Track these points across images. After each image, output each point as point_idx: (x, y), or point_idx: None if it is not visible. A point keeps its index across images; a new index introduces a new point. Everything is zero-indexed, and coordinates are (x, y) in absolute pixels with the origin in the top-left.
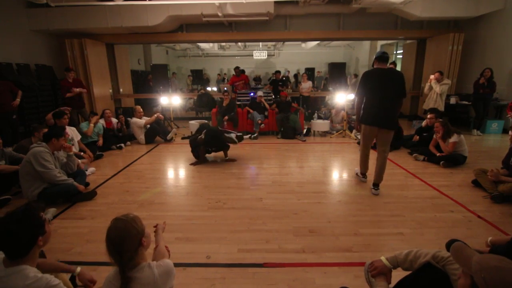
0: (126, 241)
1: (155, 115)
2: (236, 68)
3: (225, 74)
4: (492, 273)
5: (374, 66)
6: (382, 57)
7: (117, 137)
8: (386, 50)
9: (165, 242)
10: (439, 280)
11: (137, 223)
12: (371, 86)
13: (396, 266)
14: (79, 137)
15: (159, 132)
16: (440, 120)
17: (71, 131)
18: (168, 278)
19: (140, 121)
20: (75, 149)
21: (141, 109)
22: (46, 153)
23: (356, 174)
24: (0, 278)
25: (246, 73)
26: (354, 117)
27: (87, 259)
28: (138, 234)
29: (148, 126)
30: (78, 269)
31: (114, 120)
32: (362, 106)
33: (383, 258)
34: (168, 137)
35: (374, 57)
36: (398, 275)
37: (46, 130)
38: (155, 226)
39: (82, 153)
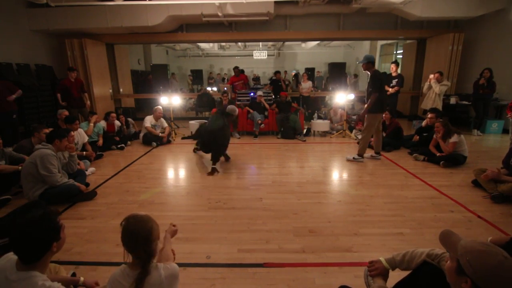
0: (152, 232)
1: (160, 134)
2: (235, 68)
3: (225, 74)
4: (476, 256)
5: (374, 68)
6: (374, 62)
7: (117, 139)
8: (386, 50)
9: (171, 245)
10: (436, 276)
11: (151, 218)
12: (383, 84)
13: (395, 267)
14: (86, 139)
15: (155, 141)
16: (441, 120)
17: (77, 134)
18: (173, 282)
19: (145, 121)
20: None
21: (162, 111)
22: (52, 156)
23: (353, 158)
24: (10, 282)
25: (246, 73)
26: (354, 117)
27: (87, 259)
28: (157, 224)
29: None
30: (82, 279)
31: (117, 123)
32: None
33: (382, 259)
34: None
35: (371, 60)
36: (398, 275)
37: (46, 130)
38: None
39: (84, 153)
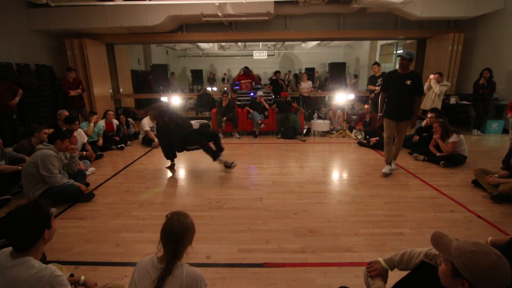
0: (187, 234)
1: (154, 143)
2: (246, 68)
3: (224, 74)
4: (471, 257)
5: (409, 66)
6: None
7: (117, 138)
8: (386, 50)
9: None
10: (434, 276)
11: (193, 223)
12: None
13: (393, 268)
14: (85, 139)
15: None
16: (440, 120)
17: (77, 134)
18: (193, 284)
19: (143, 125)
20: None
21: None
22: (54, 157)
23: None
24: (6, 269)
25: (243, 73)
26: (354, 117)
27: (87, 259)
28: (194, 231)
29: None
30: (82, 278)
31: (115, 122)
32: (411, 102)
33: (381, 260)
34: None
35: (413, 58)
36: (397, 275)
37: (46, 130)
38: None
39: (84, 153)
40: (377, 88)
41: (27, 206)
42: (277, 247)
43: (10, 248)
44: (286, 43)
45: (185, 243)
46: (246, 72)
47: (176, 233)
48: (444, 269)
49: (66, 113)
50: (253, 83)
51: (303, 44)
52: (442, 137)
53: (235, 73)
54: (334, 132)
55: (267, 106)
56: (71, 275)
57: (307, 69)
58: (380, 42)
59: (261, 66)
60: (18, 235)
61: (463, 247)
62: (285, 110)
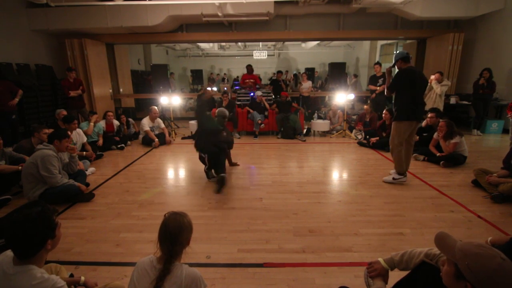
0: (182, 233)
1: (154, 143)
2: (249, 66)
3: (224, 74)
4: (475, 260)
5: (402, 66)
6: (408, 58)
7: (117, 139)
8: (386, 50)
9: None
10: (435, 276)
11: (191, 223)
12: (414, 83)
13: (393, 268)
14: (85, 139)
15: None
16: (447, 120)
17: (76, 134)
18: (192, 284)
19: (143, 125)
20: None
21: (157, 110)
22: (53, 157)
23: (393, 179)
24: (9, 276)
25: (245, 72)
26: (354, 117)
27: (87, 259)
28: (191, 231)
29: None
30: (82, 278)
31: (116, 122)
32: (399, 102)
33: (381, 260)
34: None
35: (400, 57)
36: (397, 275)
37: (46, 130)
38: None
39: (84, 153)
40: (378, 88)
41: (32, 214)
42: (277, 247)
43: (12, 253)
44: (286, 43)
45: (182, 242)
46: (249, 71)
47: (172, 232)
48: (447, 270)
49: (64, 112)
50: (256, 82)
51: (303, 44)
52: (445, 137)
53: (235, 73)
54: (334, 132)
55: (267, 106)
56: (71, 275)
57: (307, 69)
58: (380, 42)
59: (261, 66)
60: (19, 245)
61: (467, 249)
62: (285, 110)
